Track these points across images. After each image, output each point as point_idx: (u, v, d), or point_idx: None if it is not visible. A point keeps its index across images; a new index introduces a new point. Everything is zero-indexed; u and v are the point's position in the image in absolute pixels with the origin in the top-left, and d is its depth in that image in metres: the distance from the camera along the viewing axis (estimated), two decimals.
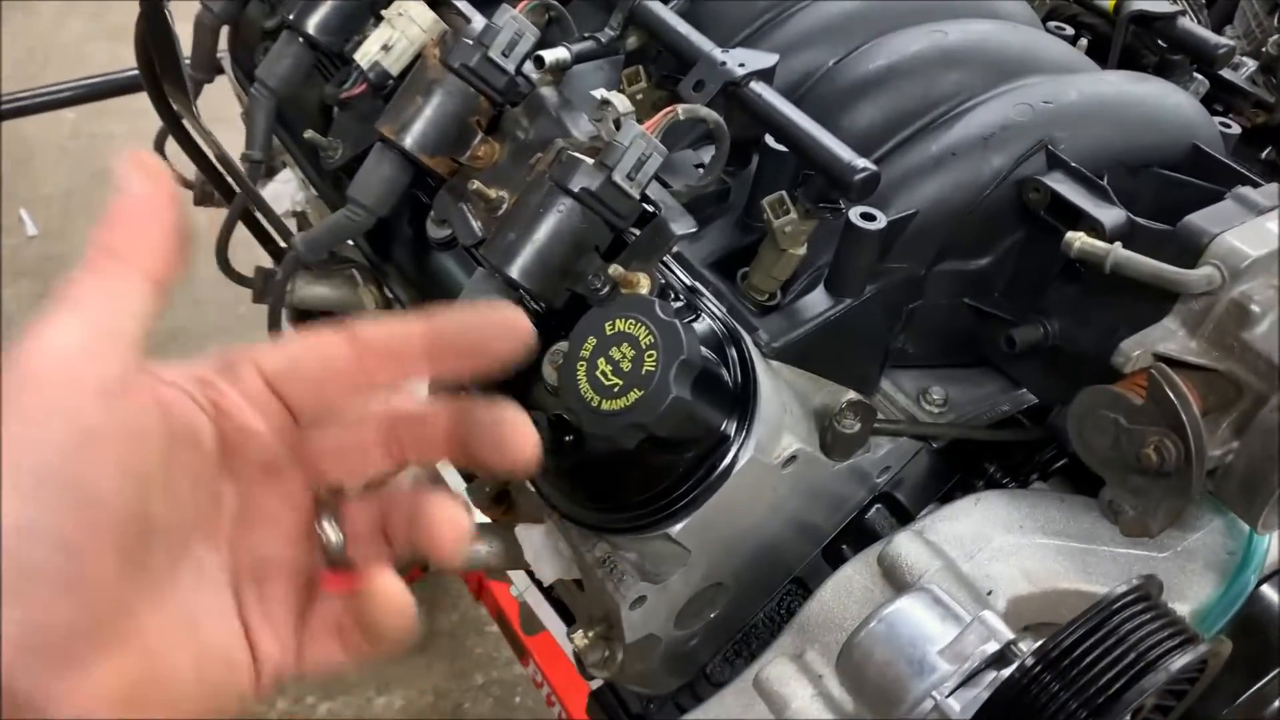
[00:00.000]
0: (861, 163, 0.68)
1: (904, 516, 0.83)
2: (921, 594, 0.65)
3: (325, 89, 0.87)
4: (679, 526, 0.70)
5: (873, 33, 0.84)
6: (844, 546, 0.84)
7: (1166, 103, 0.80)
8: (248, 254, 1.17)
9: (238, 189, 0.93)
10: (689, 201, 0.79)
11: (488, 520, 0.85)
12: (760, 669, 0.74)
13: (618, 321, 0.65)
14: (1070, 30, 0.97)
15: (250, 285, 1.02)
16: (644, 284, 0.68)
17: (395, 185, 0.80)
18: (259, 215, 0.94)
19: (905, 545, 0.73)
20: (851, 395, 0.80)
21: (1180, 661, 0.53)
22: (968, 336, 0.82)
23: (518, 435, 0.45)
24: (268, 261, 1.14)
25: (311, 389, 0.45)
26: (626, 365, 0.63)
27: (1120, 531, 0.70)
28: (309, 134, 0.86)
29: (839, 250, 0.73)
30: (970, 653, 0.60)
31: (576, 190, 0.67)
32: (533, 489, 0.76)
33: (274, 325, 0.91)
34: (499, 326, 0.45)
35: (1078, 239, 0.69)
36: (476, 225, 0.75)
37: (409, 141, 0.77)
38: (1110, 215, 0.70)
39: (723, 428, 0.68)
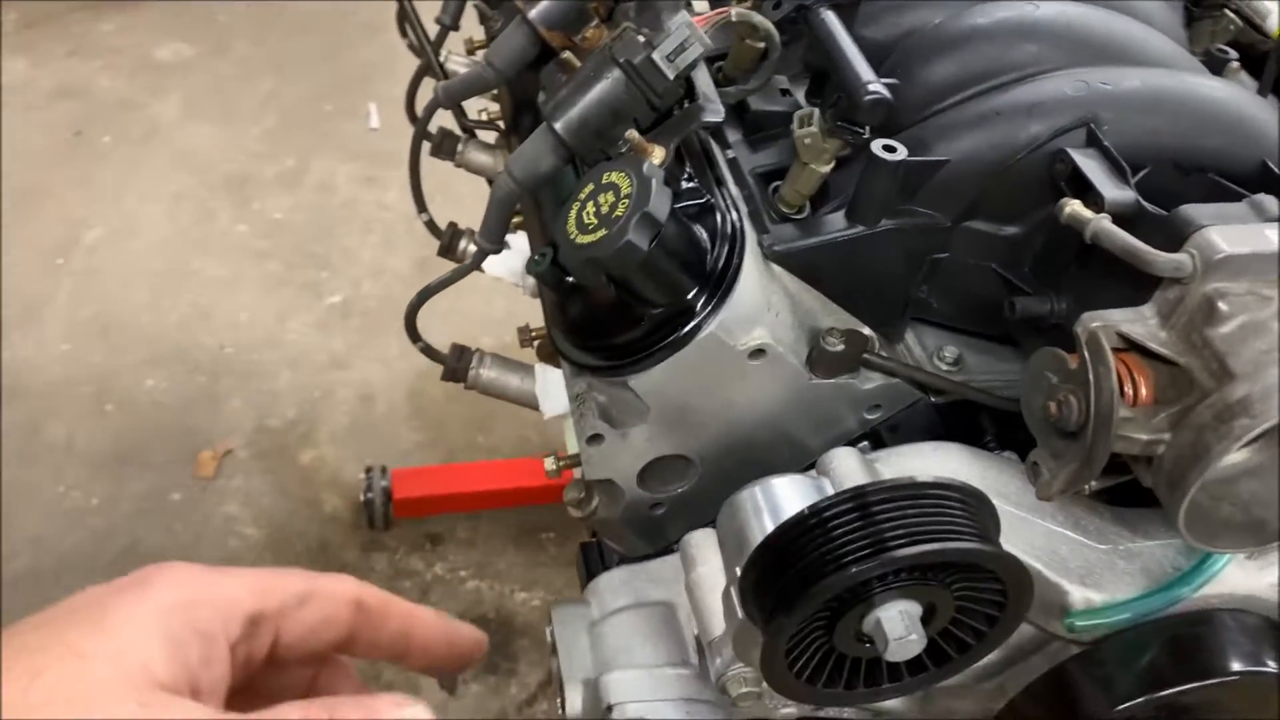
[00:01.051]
0: (875, 85, 0.73)
1: None
2: (807, 479, 0.70)
3: None
4: (635, 378, 0.78)
5: None
6: None
7: (1245, 113, 0.78)
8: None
9: (429, 52, 1.09)
10: (755, 114, 0.87)
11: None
12: (688, 534, 0.81)
13: (613, 173, 0.74)
14: (1234, 54, 0.94)
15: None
16: (657, 154, 0.77)
17: (522, 52, 0.92)
18: (436, 72, 1.09)
19: (843, 458, 0.77)
20: (862, 328, 0.84)
21: (911, 551, 0.56)
22: (995, 305, 0.84)
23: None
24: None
25: (300, 637, 0.50)
26: (605, 209, 0.72)
27: (1035, 494, 0.71)
28: (478, 3, 1.00)
29: (859, 179, 0.78)
30: None
31: (621, 60, 0.76)
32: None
33: (415, 166, 1.06)
34: (468, 646, 0.56)
35: (1069, 204, 0.71)
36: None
37: (533, 13, 0.89)
38: (1115, 193, 0.71)
39: (689, 296, 0.76)
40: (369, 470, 2.20)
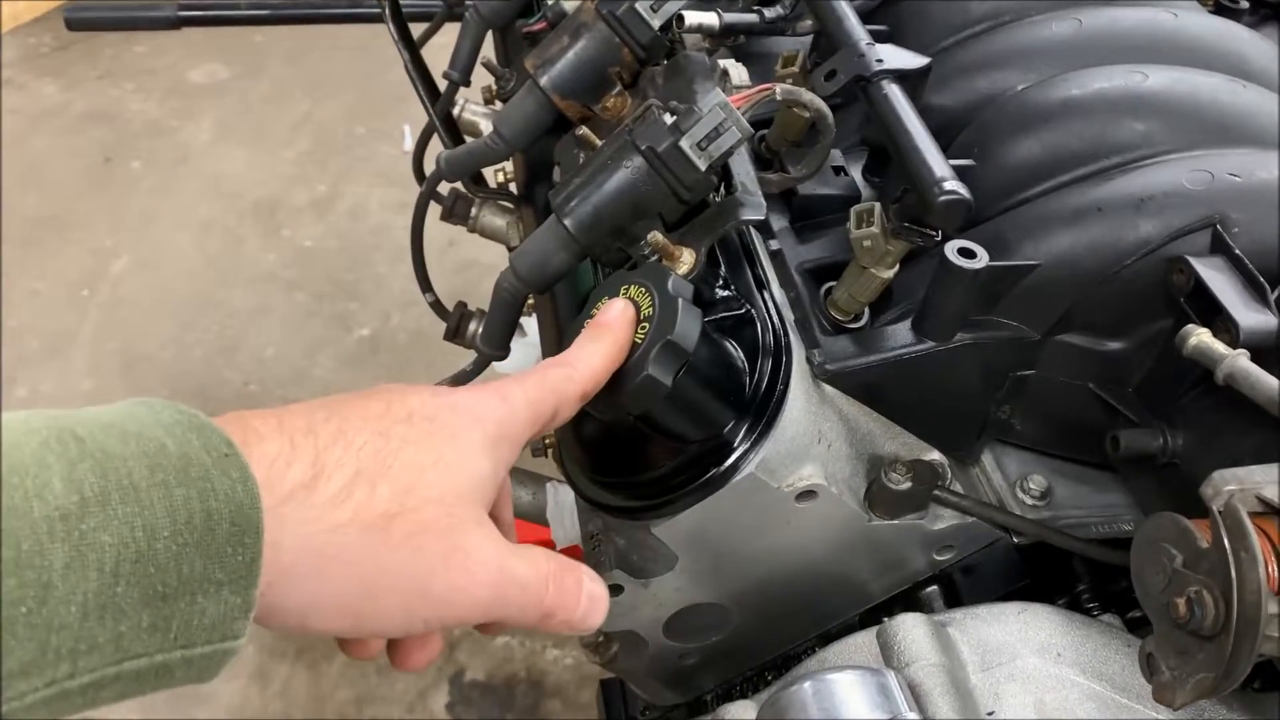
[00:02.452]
0: (951, 183, 0.60)
1: (958, 605, 0.73)
2: (869, 675, 0.57)
3: (517, 22, 0.89)
4: (661, 524, 0.65)
5: (1080, 64, 0.73)
6: (885, 618, 0.75)
7: None
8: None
9: (431, 114, 0.97)
10: (803, 199, 0.74)
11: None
12: (724, 707, 0.68)
13: (632, 287, 0.61)
14: None
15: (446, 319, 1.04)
16: (685, 259, 0.64)
17: (534, 121, 0.80)
18: (441, 135, 0.97)
19: (909, 627, 0.64)
20: (933, 455, 0.71)
21: None
22: (1091, 430, 0.70)
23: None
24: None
25: None
26: None
27: (1152, 694, 0.57)
28: (485, 60, 0.88)
29: (930, 286, 0.65)
30: None
31: (643, 148, 0.64)
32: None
33: (417, 242, 0.94)
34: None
35: (1195, 335, 0.57)
36: None
37: (545, 79, 0.77)
38: (1252, 318, 0.57)
39: (725, 432, 0.63)
40: None
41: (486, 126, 1.12)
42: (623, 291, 0.62)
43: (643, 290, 0.60)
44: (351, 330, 2.56)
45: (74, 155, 2.97)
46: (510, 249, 1.10)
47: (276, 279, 2.68)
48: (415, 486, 0.47)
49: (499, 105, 1.15)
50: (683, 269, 0.64)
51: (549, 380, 0.55)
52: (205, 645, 0.41)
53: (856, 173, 0.77)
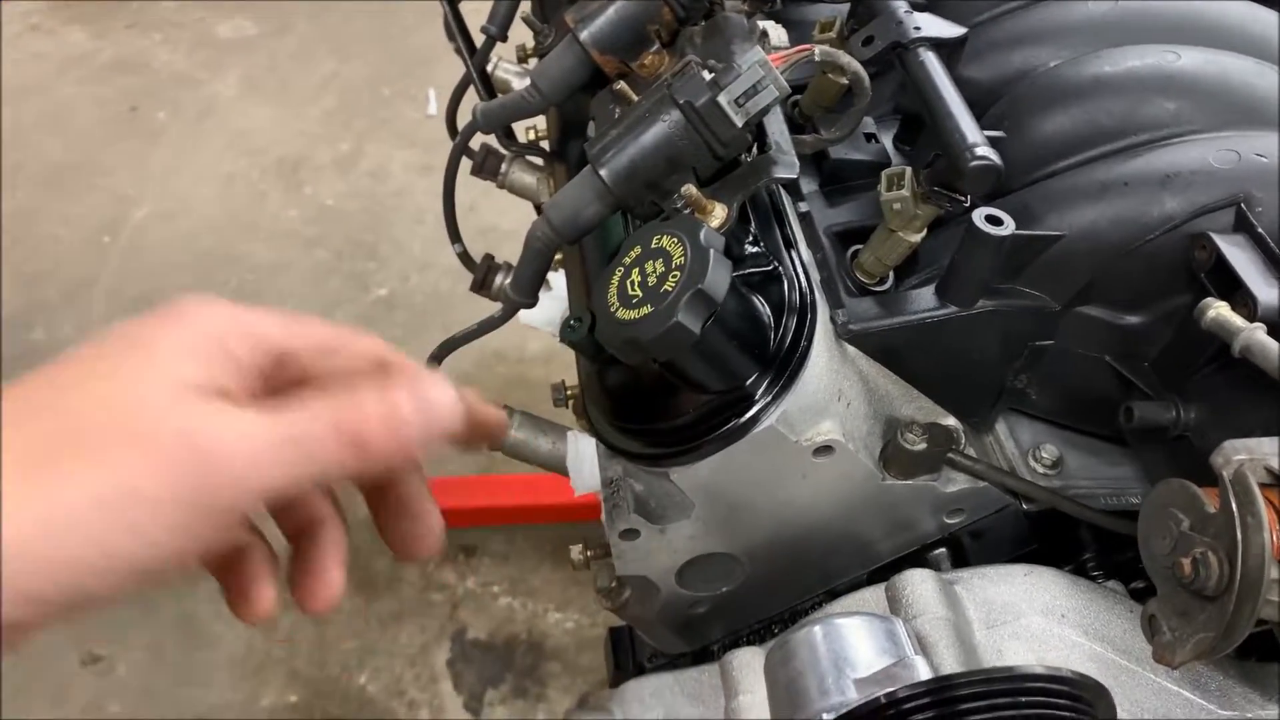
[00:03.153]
0: (983, 148, 0.61)
1: (964, 569, 0.74)
2: (877, 621, 0.58)
3: None
4: (680, 470, 0.67)
5: (1114, 43, 0.74)
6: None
7: None
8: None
9: (469, 67, 0.99)
10: (834, 163, 0.75)
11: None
12: (732, 653, 0.70)
13: (664, 237, 0.63)
14: None
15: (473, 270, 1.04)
16: (717, 214, 0.65)
17: (571, 76, 0.81)
18: (478, 88, 0.99)
19: (918, 582, 0.65)
20: (949, 420, 0.72)
21: None
22: (1105, 402, 0.72)
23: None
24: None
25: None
26: (653, 280, 0.61)
27: (1152, 654, 0.59)
28: (525, 14, 0.89)
29: (956, 252, 0.66)
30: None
31: (681, 102, 0.65)
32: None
33: (449, 193, 0.96)
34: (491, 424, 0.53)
35: (1214, 307, 0.58)
36: None
37: (584, 34, 0.78)
38: (1271, 294, 0.58)
39: (748, 384, 0.64)
40: None
41: (518, 84, 1.13)
42: (654, 240, 0.63)
43: (674, 240, 0.62)
44: (369, 289, 2.58)
45: (99, 103, 2.98)
46: (537, 206, 1.12)
47: (297, 235, 2.70)
48: (82, 405, 0.41)
49: (531, 64, 1.17)
50: (715, 222, 0.65)
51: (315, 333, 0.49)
52: None
53: (887, 141, 0.79)
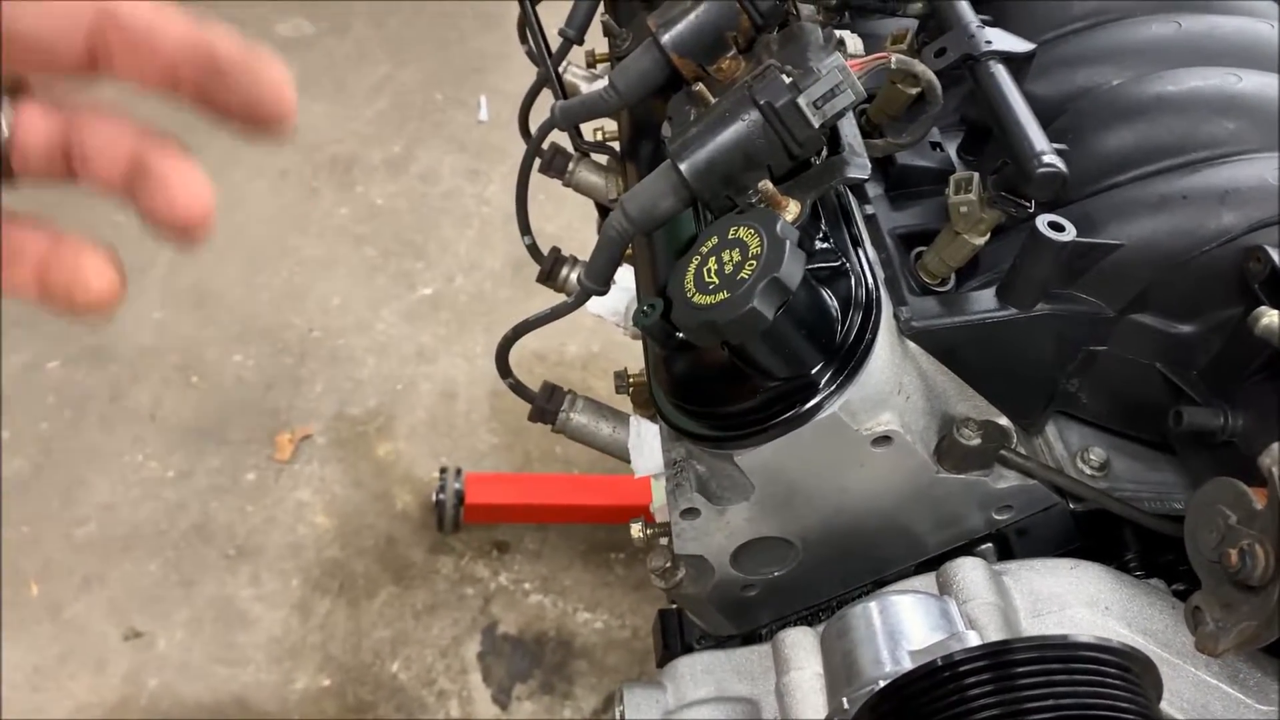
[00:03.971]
0: (1050, 156, 0.64)
1: None
2: (931, 599, 0.61)
3: None
4: (743, 453, 0.70)
5: (1176, 65, 0.77)
6: None
7: None
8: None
9: (548, 67, 1.03)
10: (900, 169, 0.78)
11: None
12: (783, 631, 0.73)
13: (741, 228, 0.66)
14: None
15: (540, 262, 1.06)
16: (791, 209, 0.69)
17: (649, 78, 0.85)
18: (554, 88, 1.03)
19: (969, 569, 0.68)
20: (1001, 419, 0.75)
21: None
22: (1154, 408, 0.74)
23: (274, 90, 0.39)
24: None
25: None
26: (729, 268, 0.65)
27: (1195, 644, 0.61)
28: (604, 17, 0.93)
29: (1018, 256, 0.69)
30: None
31: (761, 103, 0.68)
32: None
33: (523, 187, 0.99)
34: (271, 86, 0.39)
35: (1266, 315, 0.61)
36: None
37: (666, 37, 0.81)
38: None
39: (813, 372, 0.67)
40: (443, 471, 2.15)
41: (586, 89, 1.17)
42: (732, 231, 0.67)
43: (751, 231, 0.65)
44: (415, 288, 2.63)
45: (154, 99, 3.05)
46: (600, 206, 1.16)
47: (347, 233, 2.75)
48: None
49: (598, 70, 1.21)
50: (789, 217, 0.68)
51: None
52: None
53: (952, 150, 0.82)
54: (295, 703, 1.95)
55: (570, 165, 1.10)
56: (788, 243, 0.63)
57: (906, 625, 0.59)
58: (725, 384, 0.71)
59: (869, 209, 0.77)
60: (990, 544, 0.78)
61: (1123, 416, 0.76)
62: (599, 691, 2.04)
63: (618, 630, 2.11)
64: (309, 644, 2.01)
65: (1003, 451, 0.73)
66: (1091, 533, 0.77)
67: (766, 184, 0.68)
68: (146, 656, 1.96)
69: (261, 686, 1.96)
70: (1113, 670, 0.50)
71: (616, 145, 1.10)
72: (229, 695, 1.95)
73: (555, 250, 1.03)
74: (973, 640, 0.56)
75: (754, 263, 0.64)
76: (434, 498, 2.14)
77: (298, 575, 2.10)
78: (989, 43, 0.71)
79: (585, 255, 1.12)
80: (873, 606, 0.61)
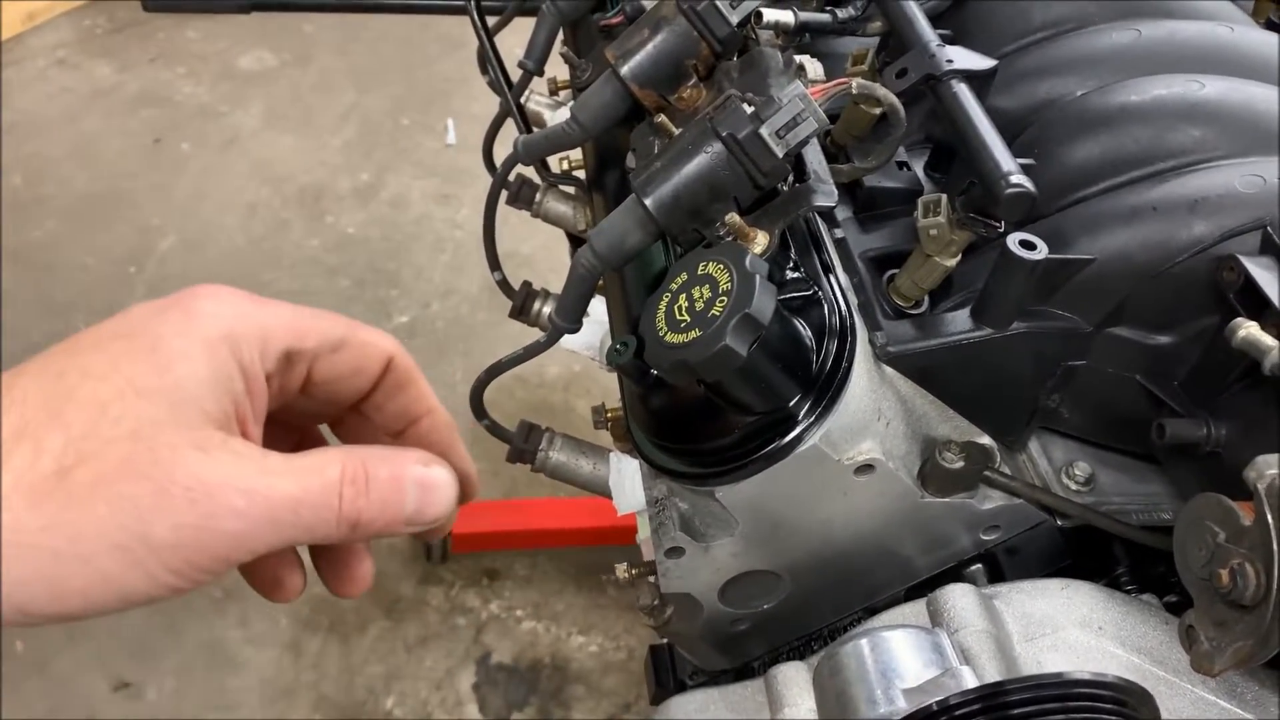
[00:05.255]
0: (1017, 176, 0.63)
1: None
2: (923, 633, 0.60)
3: (594, 15, 0.93)
4: (724, 489, 0.69)
5: (1138, 73, 0.77)
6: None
7: None
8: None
9: (509, 101, 1.02)
10: (868, 191, 0.78)
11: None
12: (776, 668, 0.72)
13: (710, 264, 0.65)
14: None
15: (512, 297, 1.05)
16: (760, 241, 0.68)
17: (610, 110, 0.84)
18: (516, 121, 1.02)
19: (958, 596, 0.67)
20: (983, 439, 0.75)
21: None
22: (1136, 421, 0.74)
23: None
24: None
25: (330, 380, 0.50)
26: (700, 305, 0.64)
27: (1190, 663, 0.61)
28: (564, 50, 0.92)
29: (990, 275, 0.68)
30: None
31: (724, 134, 0.67)
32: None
33: (489, 222, 0.98)
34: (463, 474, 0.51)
35: (1244, 327, 0.60)
36: None
37: (625, 69, 0.80)
38: None
39: (791, 405, 0.66)
40: None
41: (550, 117, 1.16)
42: (701, 267, 0.66)
43: (720, 266, 0.64)
44: (391, 316, 2.61)
45: (125, 135, 3.03)
46: (570, 235, 1.15)
47: (320, 263, 2.74)
48: (96, 426, 0.41)
49: (561, 97, 1.20)
50: (758, 249, 0.67)
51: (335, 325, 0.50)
52: None
53: (918, 168, 0.81)
54: None
55: (538, 196, 1.09)
56: (757, 277, 0.62)
57: (899, 662, 0.58)
58: (703, 420, 0.70)
59: (838, 233, 0.76)
60: (980, 565, 0.77)
61: (1106, 430, 0.76)
62: (597, 715, 2.03)
63: (613, 652, 2.09)
64: (302, 683, 1.99)
65: (986, 472, 0.72)
66: (1081, 548, 0.76)
67: (734, 216, 0.67)
68: (137, 707, 1.94)
69: None
70: (1109, 706, 0.49)
71: (582, 174, 1.09)
72: None
73: (526, 285, 1.02)
74: (967, 679, 0.55)
75: (725, 299, 0.63)
76: None
77: (286, 614, 2.08)
78: (950, 61, 0.71)
79: (558, 282, 1.11)
80: (864, 644, 0.59)
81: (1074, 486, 0.75)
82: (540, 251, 2.58)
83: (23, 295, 2.54)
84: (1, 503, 0.39)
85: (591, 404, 0.93)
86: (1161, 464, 0.74)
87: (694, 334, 0.63)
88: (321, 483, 0.44)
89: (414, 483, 0.47)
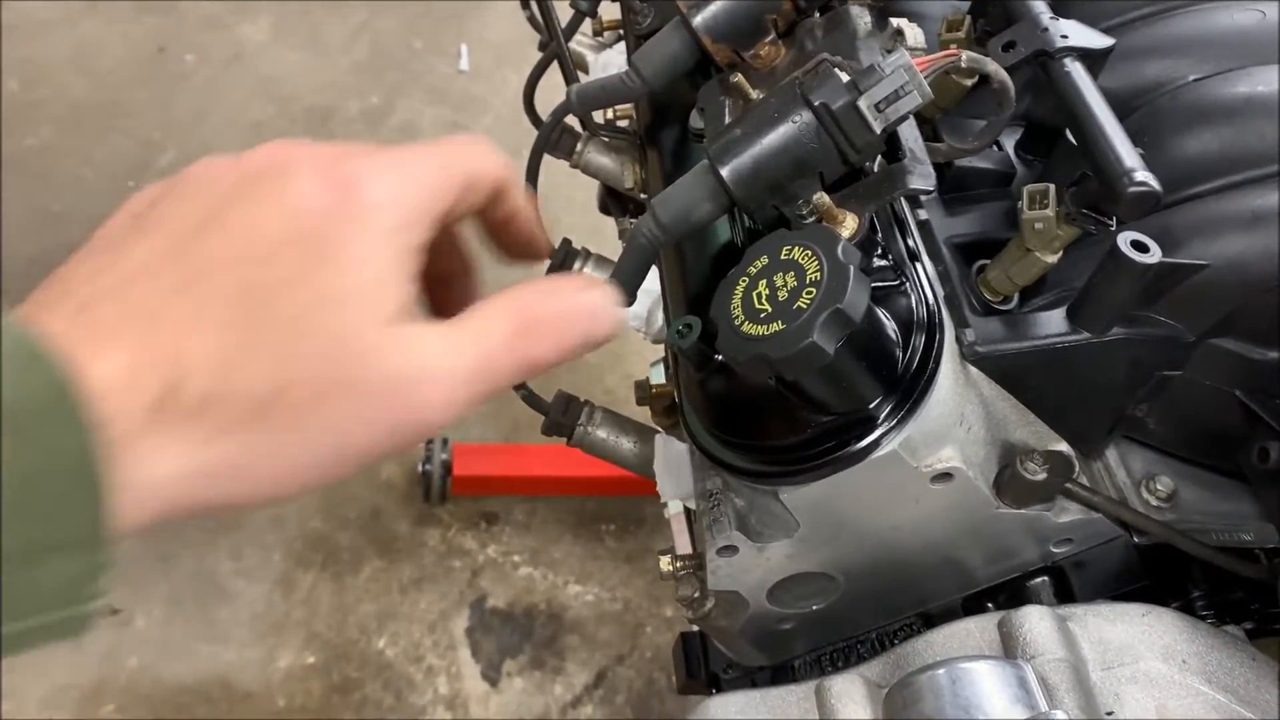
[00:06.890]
0: (1142, 174, 0.57)
1: (1068, 600, 0.72)
2: (1007, 666, 0.56)
3: None
4: (791, 491, 0.64)
5: (1261, 60, 0.71)
6: (990, 604, 0.74)
7: None
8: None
9: (560, 44, 0.94)
10: (956, 170, 0.72)
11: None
12: (829, 678, 0.67)
13: (795, 248, 0.59)
14: None
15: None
16: (849, 224, 0.62)
17: (676, 62, 0.77)
18: (564, 66, 0.95)
19: (1034, 620, 0.63)
20: (1060, 445, 0.70)
21: None
22: (1228, 437, 0.69)
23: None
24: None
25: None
26: (783, 295, 0.58)
27: None
28: None
29: (1094, 275, 0.63)
30: None
31: (816, 104, 0.61)
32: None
33: (531, 177, 0.92)
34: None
35: None
36: (727, 121, 0.72)
37: (698, 20, 0.74)
38: None
39: (871, 406, 0.61)
40: (430, 441, 2.08)
41: (593, 60, 1.09)
42: (785, 251, 0.60)
43: (809, 253, 0.59)
44: None
45: (127, 42, 2.92)
46: (608, 189, 1.08)
47: None
48: (293, 350, 0.41)
49: (605, 38, 1.12)
50: (846, 233, 0.62)
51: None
52: (53, 612, 0.37)
53: (1009, 147, 0.75)
54: (279, 681, 1.90)
55: (579, 145, 1.03)
56: (851, 269, 0.56)
57: (983, 699, 0.54)
58: (771, 415, 0.64)
59: (922, 214, 0.70)
60: (1045, 577, 0.73)
61: (1192, 444, 0.71)
62: (590, 666, 2.00)
63: (609, 603, 2.06)
64: (293, 620, 1.96)
65: (1068, 485, 0.67)
66: (1156, 566, 0.72)
67: (823, 196, 0.61)
68: (125, 634, 1.90)
69: (245, 665, 1.91)
70: None
71: (626, 124, 1.03)
72: (211, 674, 1.89)
73: (566, 242, 0.95)
74: (1034, 684, 0.51)
75: (813, 290, 0.57)
76: (420, 468, 2.07)
77: (280, 549, 2.04)
78: (1064, 37, 0.64)
79: (592, 241, 1.05)
80: (942, 676, 0.55)
81: (1154, 502, 0.70)
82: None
83: (17, 205, 2.46)
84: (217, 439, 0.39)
85: (621, 376, 0.88)
86: (1251, 484, 0.69)
87: (776, 326, 0.57)
88: (495, 343, 0.45)
89: (580, 314, 0.48)
